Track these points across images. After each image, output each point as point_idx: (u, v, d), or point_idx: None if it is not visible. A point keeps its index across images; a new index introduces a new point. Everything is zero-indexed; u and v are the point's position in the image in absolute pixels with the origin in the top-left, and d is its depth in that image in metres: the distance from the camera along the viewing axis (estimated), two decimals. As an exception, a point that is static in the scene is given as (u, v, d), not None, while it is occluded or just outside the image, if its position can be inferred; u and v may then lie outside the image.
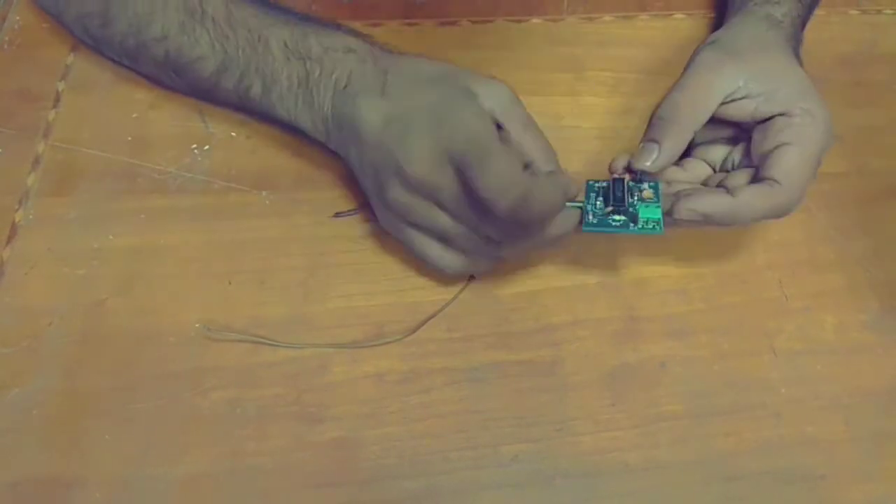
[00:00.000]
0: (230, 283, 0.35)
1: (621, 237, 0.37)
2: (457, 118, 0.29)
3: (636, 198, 0.33)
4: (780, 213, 0.32)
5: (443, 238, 0.32)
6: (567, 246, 0.36)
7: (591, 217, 0.32)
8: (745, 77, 0.33)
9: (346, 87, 0.33)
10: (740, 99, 0.34)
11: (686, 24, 0.45)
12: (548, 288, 0.36)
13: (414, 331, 0.34)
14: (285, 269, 0.36)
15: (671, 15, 0.46)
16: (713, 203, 0.31)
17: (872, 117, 0.42)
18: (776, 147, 0.32)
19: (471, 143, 0.29)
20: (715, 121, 0.34)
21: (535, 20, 0.45)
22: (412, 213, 0.32)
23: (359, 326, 0.34)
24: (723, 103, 0.34)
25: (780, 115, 0.33)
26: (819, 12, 0.45)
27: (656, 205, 0.32)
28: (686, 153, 0.35)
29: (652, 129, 0.34)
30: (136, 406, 0.32)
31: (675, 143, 0.33)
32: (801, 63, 0.36)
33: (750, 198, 0.32)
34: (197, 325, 0.34)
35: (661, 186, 0.33)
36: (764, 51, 0.35)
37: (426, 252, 0.33)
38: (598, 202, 0.33)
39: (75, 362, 0.33)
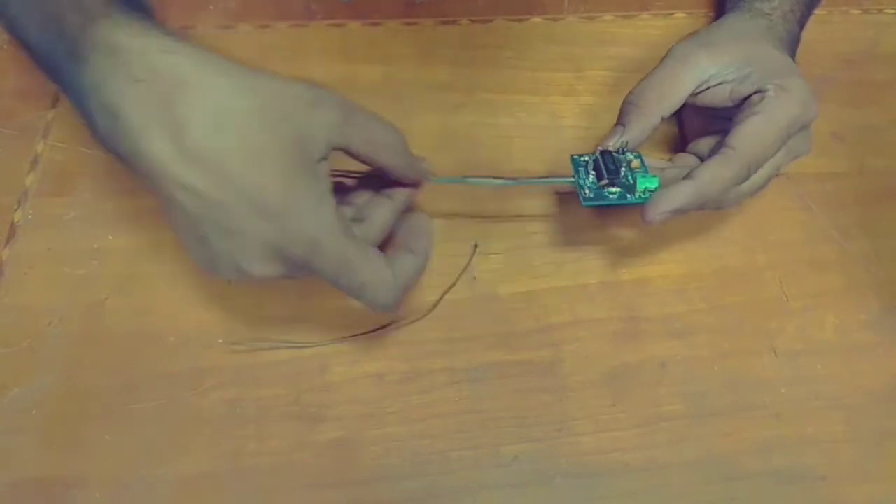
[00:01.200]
0: (229, 283, 0.35)
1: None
2: (292, 224, 0.26)
3: (625, 168, 0.33)
4: (741, 178, 0.33)
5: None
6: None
7: (587, 192, 0.33)
8: (718, 66, 0.34)
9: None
10: (716, 85, 0.34)
11: (687, 23, 0.45)
12: (548, 288, 0.36)
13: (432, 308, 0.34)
14: (285, 269, 0.36)
15: (672, 14, 0.46)
16: (676, 195, 0.32)
17: (874, 117, 0.42)
18: (742, 119, 0.33)
19: (308, 249, 0.26)
20: (704, 113, 0.35)
21: (535, 19, 0.45)
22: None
23: (359, 327, 0.34)
24: (698, 93, 0.35)
25: (755, 93, 0.34)
26: (820, 11, 0.45)
27: (651, 175, 0.33)
28: (682, 147, 0.36)
29: (621, 113, 0.35)
30: (136, 406, 0.32)
31: (640, 127, 0.34)
32: (792, 56, 0.36)
33: (707, 172, 0.32)
34: (220, 342, 0.33)
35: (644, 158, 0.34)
36: (741, 40, 0.36)
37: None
38: (590, 176, 0.33)
39: (75, 362, 0.33)
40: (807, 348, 0.35)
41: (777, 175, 0.37)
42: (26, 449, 0.31)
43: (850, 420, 0.33)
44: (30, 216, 0.36)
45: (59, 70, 0.26)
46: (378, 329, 0.34)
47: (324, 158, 0.27)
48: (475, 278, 0.36)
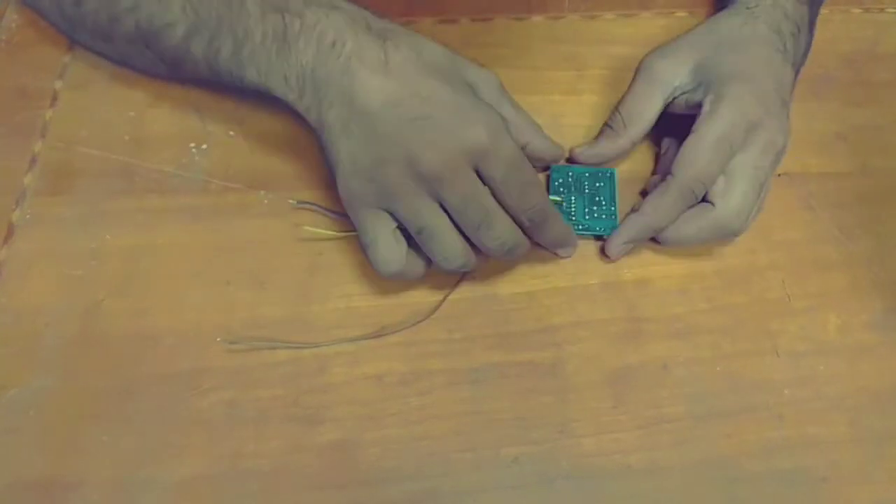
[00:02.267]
0: (229, 284, 0.35)
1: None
2: (476, 119, 0.30)
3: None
4: (685, 202, 0.34)
5: (418, 232, 0.31)
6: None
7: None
8: (679, 77, 0.36)
9: (333, 44, 0.31)
10: (679, 96, 0.36)
11: (688, 22, 0.45)
12: (549, 288, 0.36)
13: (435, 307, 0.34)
14: (285, 269, 0.35)
15: (673, 13, 0.46)
16: (629, 229, 0.35)
17: (875, 116, 0.42)
18: (684, 141, 0.34)
19: (495, 145, 0.30)
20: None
21: (535, 18, 0.45)
22: (403, 204, 0.31)
23: (359, 327, 0.34)
24: (672, 101, 0.36)
25: (699, 105, 0.35)
26: (821, 10, 0.45)
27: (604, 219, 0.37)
28: None
29: (600, 133, 0.39)
30: (134, 407, 0.32)
31: (615, 147, 0.38)
32: (784, 46, 0.36)
33: (649, 204, 0.35)
34: (218, 340, 0.33)
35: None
36: (701, 46, 0.37)
37: (388, 245, 0.32)
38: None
39: (72, 363, 0.33)
40: (809, 349, 0.35)
41: (778, 176, 0.37)
42: (23, 450, 0.31)
43: (853, 421, 0.33)
44: (28, 216, 0.36)
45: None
46: (377, 335, 0.34)
47: None
48: (475, 278, 0.36)
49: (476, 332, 0.34)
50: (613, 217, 0.37)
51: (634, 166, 0.39)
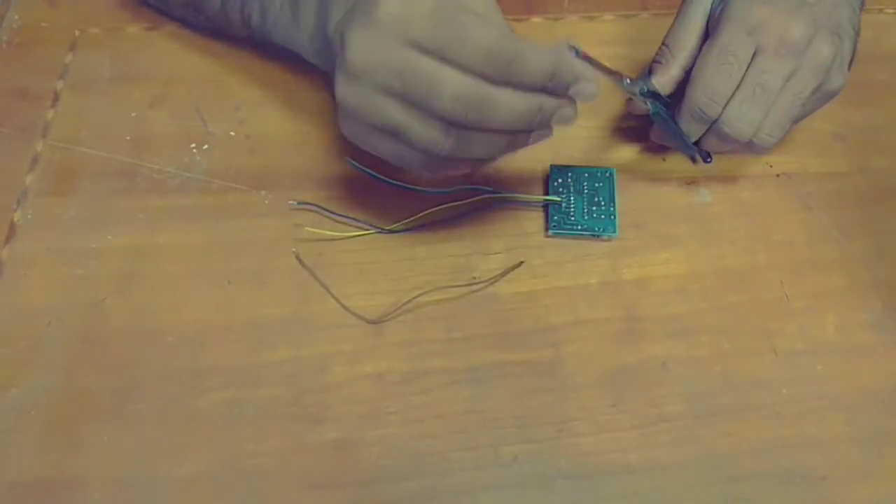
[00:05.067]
0: (229, 283, 0.35)
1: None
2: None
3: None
4: (699, 123, 0.35)
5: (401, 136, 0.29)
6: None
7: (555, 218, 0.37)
8: None
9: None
10: (713, 13, 0.36)
11: (687, 22, 0.45)
12: (548, 288, 0.36)
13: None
14: (285, 269, 0.35)
15: (672, 13, 0.46)
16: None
17: (875, 117, 0.42)
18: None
19: (435, 20, 0.26)
20: None
21: (535, 18, 0.45)
22: (361, 110, 0.28)
23: (358, 327, 0.34)
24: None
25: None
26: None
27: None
28: None
29: (651, 70, 0.38)
30: (135, 406, 0.32)
31: (668, 77, 0.37)
32: None
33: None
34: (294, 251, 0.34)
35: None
36: None
37: (393, 151, 0.30)
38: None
39: (74, 362, 0.33)
40: (808, 348, 0.35)
41: (777, 176, 0.37)
42: (25, 449, 0.31)
43: (852, 420, 0.33)
44: (29, 216, 0.36)
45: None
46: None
47: None
48: (475, 277, 0.36)
49: (476, 332, 0.34)
50: (613, 217, 0.37)
51: (634, 166, 0.40)
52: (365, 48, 0.27)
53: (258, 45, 0.40)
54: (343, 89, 0.28)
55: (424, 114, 0.28)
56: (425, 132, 0.28)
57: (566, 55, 0.29)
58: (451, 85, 0.27)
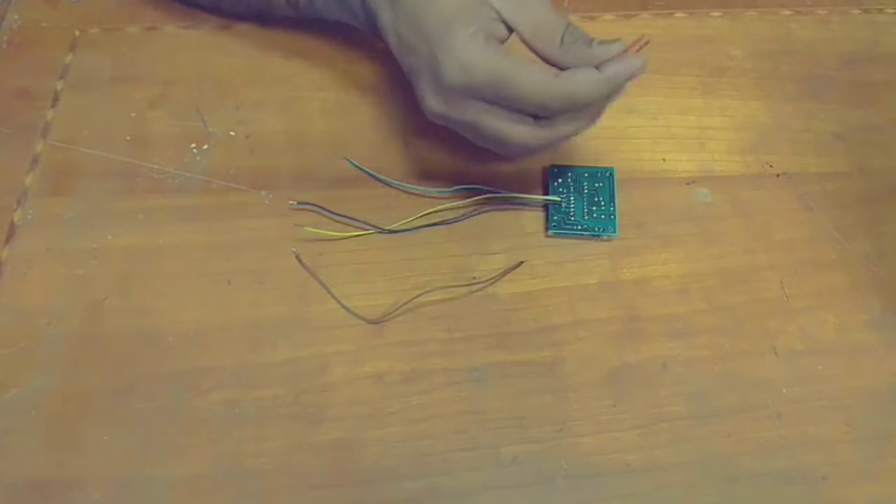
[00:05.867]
0: (229, 283, 0.35)
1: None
2: (457, 58, 0.31)
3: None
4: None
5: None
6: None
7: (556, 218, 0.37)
8: None
9: None
10: None
11: (687, 22, 0.45)
12: (548, 288, 0.36)
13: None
14: (285, 269, 0.35)
15: (672, 13, 0.46)
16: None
17: (874, 117, 0.42)
18: None
19: (488, 77, 0.30)
20: None
21: (535, 19, 0.45)
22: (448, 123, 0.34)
23: (358, 327, 0.34)
24: None
25: None
26: (820, 11, 0.45)
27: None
28: None
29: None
30: (135, 406, 0.32)
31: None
32: None
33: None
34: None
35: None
36: None
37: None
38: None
39: (73, 363, 0.33)
40: (808, 348, 0.35)
41: (777, 176, 0.37)
42: (25, 449, 0.31)
43: (852, 420, 0.33)
44: (29, 216, 0.36)
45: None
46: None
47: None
48: (475, 277, 0.36)
49: (476, 332, 0.34)
50: (613, 217, 0.37)
51: (634, 166, 0.40)
52: (437, 101, 0.32)
53: (301, 22, 0.41)
54: (428, 107, 0.33)
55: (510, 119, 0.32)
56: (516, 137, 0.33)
57: (613, 69, 0.31)
58: (518, 134, 0.32)
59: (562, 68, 0.31)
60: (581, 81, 0.30)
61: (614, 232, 0.37)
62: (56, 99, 0.40)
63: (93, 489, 0.30)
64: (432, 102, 0.33)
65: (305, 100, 0.41)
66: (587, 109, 0.32)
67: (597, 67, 0.31)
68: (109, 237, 0.36)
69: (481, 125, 0.32)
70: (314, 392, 0.33)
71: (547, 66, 0.31)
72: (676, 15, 0.46)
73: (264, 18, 0.42)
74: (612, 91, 0.31)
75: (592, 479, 0.31)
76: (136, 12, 0.44)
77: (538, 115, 0.32)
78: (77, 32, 0.43)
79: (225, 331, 0.34)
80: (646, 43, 0.32)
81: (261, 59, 0.42)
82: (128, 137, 0.39)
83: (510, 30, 0.32)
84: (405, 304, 0.34)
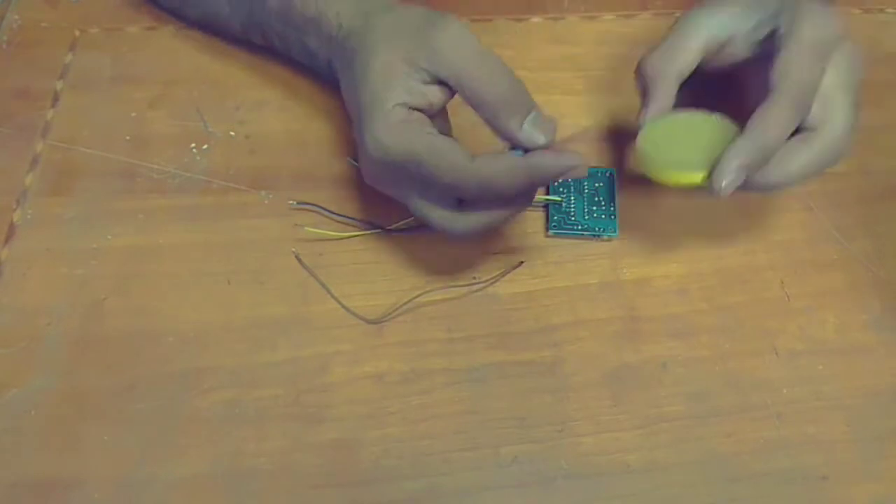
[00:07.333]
0: (229, 283, 0.35)
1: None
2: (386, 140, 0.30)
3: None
4: (797, 115, 0.31)
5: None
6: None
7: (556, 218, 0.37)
8: (722, 21, 0.34)
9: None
10: (730, 41, 0.34)
11: (687, 22, 0.45)
12: (548, 288, 0.36)
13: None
14: (285, 269, 0.35)
15: (672, 13, 0.46)
16: (739, 153, 0.30)
17: (875, 117, 0.42)
18: (774, 60, 0.31)
19: (403, 157, 0.30)
20: (757, 78, 0.33)
21: (535, 19, 0.45)
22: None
23: (358, 327, 0.34)
24: (717, 54, 0.34)
25: (773, 33, 0.32)
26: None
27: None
28: None
29: (640, 88, 0.35)
30: (135, 406, 0.32)
31: (660, 95, 0.34)
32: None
33: (758, 119, 0.30)
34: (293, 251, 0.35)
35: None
36: None
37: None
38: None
39: (73, 363, 0.33)
40: (808, 348, 0.35)
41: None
42: (24, 449, 0.31)
43: (852, 420, 0.33)
44: (29, 216, 0.36)
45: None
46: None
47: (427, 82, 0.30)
48: (475, 277, 0.36)
49: (476, 332, 0.34)
50: (613, 217, 0.37)
51: (634, 166, 0.40)
52: (367, 172, 0.33)
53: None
54: (364, 174, 0.34)
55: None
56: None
57: (538, 160, 0.29)
58: (440, 217, 0.31)
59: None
60: (498, 167, 0.29)
61: (614, 232, 0.37)
62: (56, 99, 0.40)
63: (93, 489, 0.30)
64: (365, 172, 0.33)
65: (305, 100, 0.41)
66: (511, 195, 0.30)
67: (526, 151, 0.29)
68: (109, 237, 0.36)
69: (409, 203, 0.32)
70: (314, 392, 0.33)
71: (463, 149, 0.29)
72: (676, 15, 0.46)
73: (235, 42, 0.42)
74: (534, 180, 0.29)
75: (592, 479, 0.31)
76: (136, 12, 0.44)
77: (460, 198, 0.31)
78: (77, 32, 0.43)
79: (225, 331, 0.34)
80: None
81: (261, 59, 0.42)
82: (128, 137, 0.39)
83: (452, 91, 0.30)
84: (405, 304, 0.34)
